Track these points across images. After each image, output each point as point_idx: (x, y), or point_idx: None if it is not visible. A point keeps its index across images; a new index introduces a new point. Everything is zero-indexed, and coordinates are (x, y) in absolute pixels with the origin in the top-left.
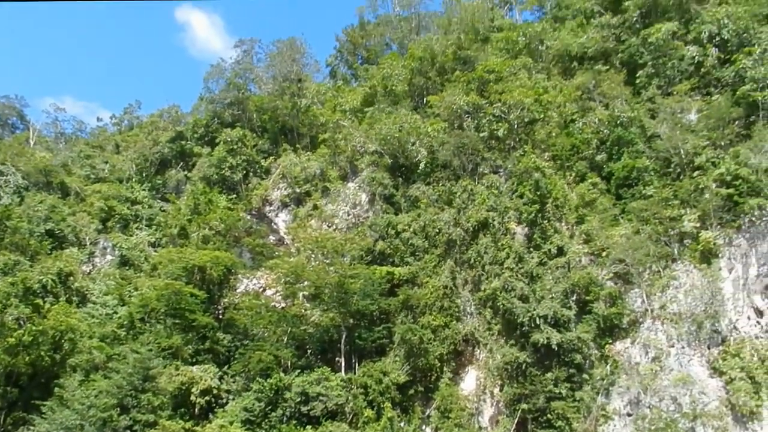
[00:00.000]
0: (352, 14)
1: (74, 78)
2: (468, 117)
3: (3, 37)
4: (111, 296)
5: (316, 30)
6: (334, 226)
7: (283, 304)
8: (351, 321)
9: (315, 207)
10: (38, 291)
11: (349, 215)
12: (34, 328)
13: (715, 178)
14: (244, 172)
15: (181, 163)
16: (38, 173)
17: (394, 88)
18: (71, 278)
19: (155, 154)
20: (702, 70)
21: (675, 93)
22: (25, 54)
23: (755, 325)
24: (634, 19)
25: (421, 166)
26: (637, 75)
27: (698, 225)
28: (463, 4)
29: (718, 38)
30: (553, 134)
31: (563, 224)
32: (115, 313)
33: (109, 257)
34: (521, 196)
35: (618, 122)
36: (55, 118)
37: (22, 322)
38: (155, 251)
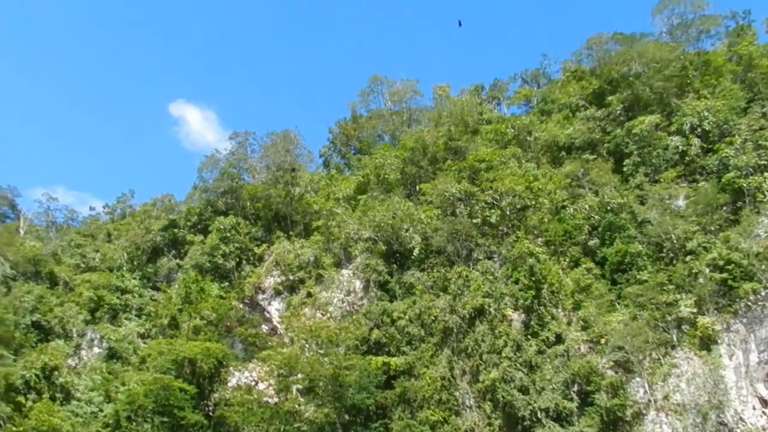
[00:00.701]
0: (344, 109)
1: (68, 169)
2: (461, 204)
3: None
4: (97, 392)
5: (309, 123)
6: (329, 314)
7: (275, 399)
8: (346, 417)
9: (309, 294)
10: (21, 387)
11: (343, 303)
12: (14, 429)
13: (708, 263)
14: (237, 259)
15: (174, 252)
16: (27, 263)
17: (386, 176)
18: (56, 373)
19: (147, 242)
20: (686, 158)
21: (662, 180)
22: (18, 145)
23: (761, 416)
24: (618, 112)
25: (416, 252)
26: (624, 163)
27: (695, 310)
28: (452, 99)
29: (699, 129)
30: (545, 220)
31: (560, 310)
32: (101, 410)
33: (96, 350)
34: (516, 282)
35: (608, 208)
36: (47, 207)
37: (2, 423)
38: (144, 343)
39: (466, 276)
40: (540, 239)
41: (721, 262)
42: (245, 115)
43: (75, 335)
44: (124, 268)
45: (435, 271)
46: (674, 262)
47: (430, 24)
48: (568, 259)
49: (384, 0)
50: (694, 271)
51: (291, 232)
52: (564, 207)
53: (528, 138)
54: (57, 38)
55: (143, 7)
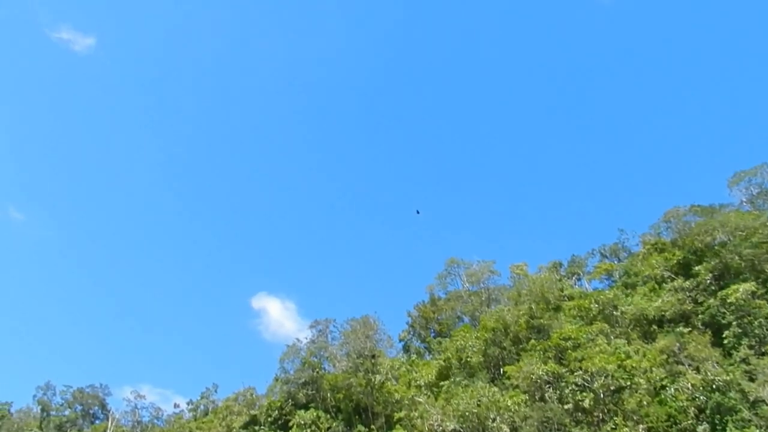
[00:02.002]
0: (422, 292)
1: (153, 366)
2: (549, 387)
3: (90, 329)
4: None
5: (387, 308)
6: None
7: None
8: None
9: None
10: None
11: None
12: None
13: None
14: None
15: None
16: None
17: (469, 359)
18: None
19: None
20: None
21: None
22: (107, 345)
23: None
24: (708, 281)
25: None
26: (724, 335)
27: None
28: (531, 277)
29: None
30: (644, 403)
31: None
32: None
33: None
34: None
35: (714, 387)
36: (134, 405)
37: None
38: None
39: None
40: (641, 425)
41: None
42: (323, 303)
43: None
44: None
45: None
46: None
47: (501, 206)
48: None
49: (454, 186)
50: None
51: (372, 426)
52: (663, 387)
53: (614, 313)
54: (143, 243)
55: (227, 206)
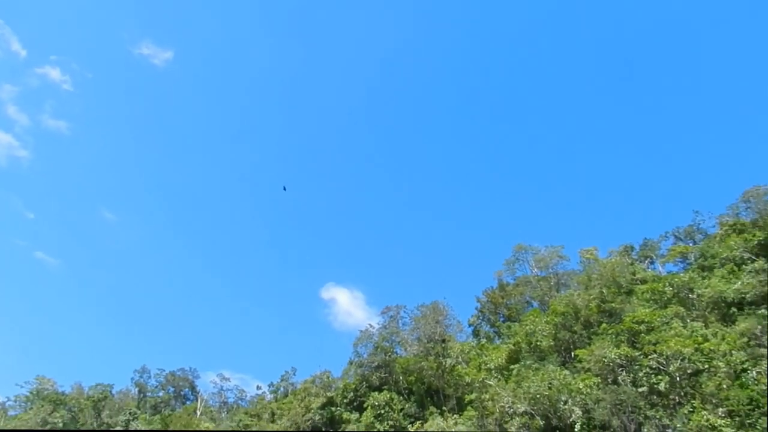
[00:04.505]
0: (490, 278)
1: (231, 353)
2: (622, 370)
3: (176, 319)
4: None
5: (455, 294)
6: None
7: None
8: None
9: None
10: None
11: None
12: None
13: None
14: None
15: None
16: None
17: (539, 343)
18: None
19: (307, 421)
20: None
21: None
22: (192, 334)
23: None
24: None
25: (577, 427)
26: None
27: None
28: (601, 261)
29: None
30: (724, 386)
31: None
32: None
33: None
34: None
35: None
36: (220, 388)
37: None
38: None
39: None
40: (721, 409)
41: None
42: (391, 292)
43: None
44: None
45: None
46: None
47: (568, 191)
48: None
49: (520, 171)
50: None
51: (444, 407)
52: (744, 370)
53: (690, 296)
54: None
55: (294, 203)
